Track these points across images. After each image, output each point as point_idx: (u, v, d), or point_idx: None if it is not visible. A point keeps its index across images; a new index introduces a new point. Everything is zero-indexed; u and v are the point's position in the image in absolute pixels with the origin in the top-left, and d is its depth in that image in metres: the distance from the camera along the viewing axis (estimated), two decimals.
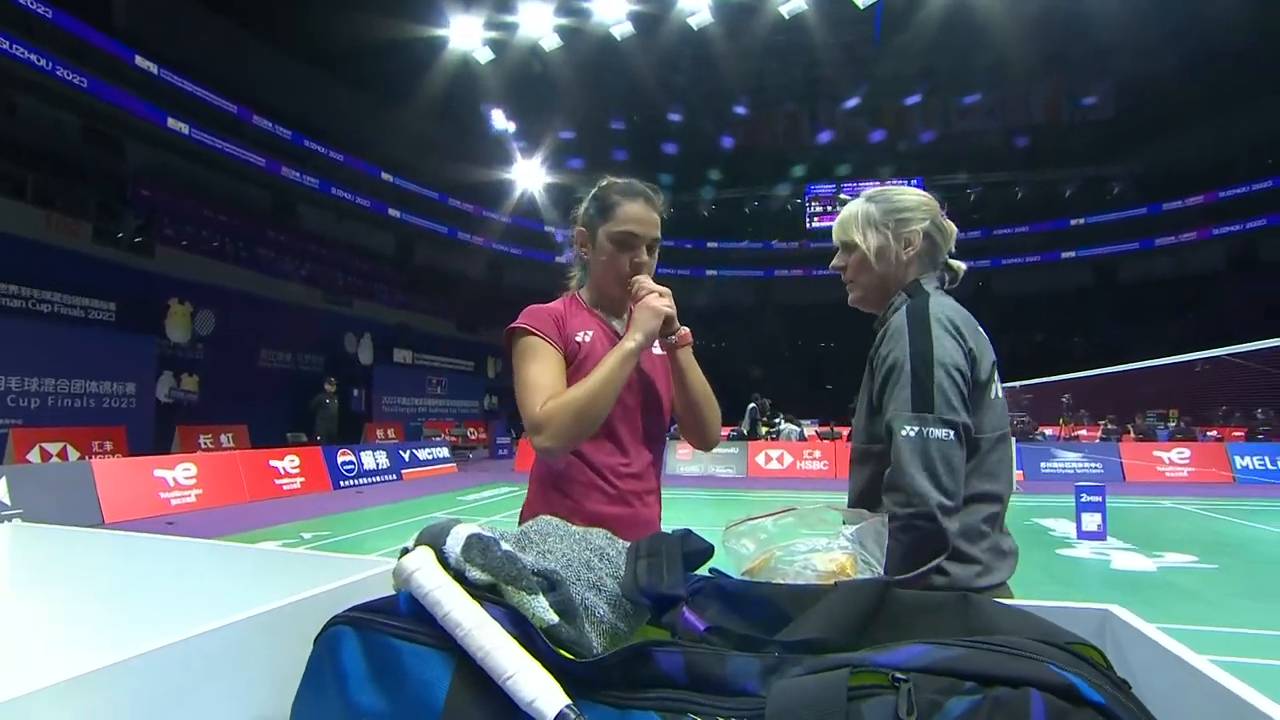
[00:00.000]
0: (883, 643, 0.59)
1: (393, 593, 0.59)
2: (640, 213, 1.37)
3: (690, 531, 0.71)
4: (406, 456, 12.39)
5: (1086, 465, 11.75)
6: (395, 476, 11.79)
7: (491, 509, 8.87)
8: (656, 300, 1.32)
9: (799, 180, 30.13)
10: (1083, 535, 6.10)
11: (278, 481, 9.63)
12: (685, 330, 1.40)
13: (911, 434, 1.15)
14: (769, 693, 0.48)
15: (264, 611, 0.65)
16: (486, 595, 0.55)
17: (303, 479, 9.98)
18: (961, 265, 1.42)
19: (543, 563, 0.61)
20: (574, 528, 0.70)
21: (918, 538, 1.11)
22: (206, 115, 16.25)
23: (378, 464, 11.53)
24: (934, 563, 1.12)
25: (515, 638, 0.50)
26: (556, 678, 0.48)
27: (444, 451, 13.77)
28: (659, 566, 0.64)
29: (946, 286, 1.39)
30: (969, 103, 26.69)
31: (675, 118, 27.11)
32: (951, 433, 1.15)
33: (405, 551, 0.59)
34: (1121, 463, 11.74)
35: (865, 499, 1.28)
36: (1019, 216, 27.63)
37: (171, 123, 15.27)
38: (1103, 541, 6.03)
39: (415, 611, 0.52)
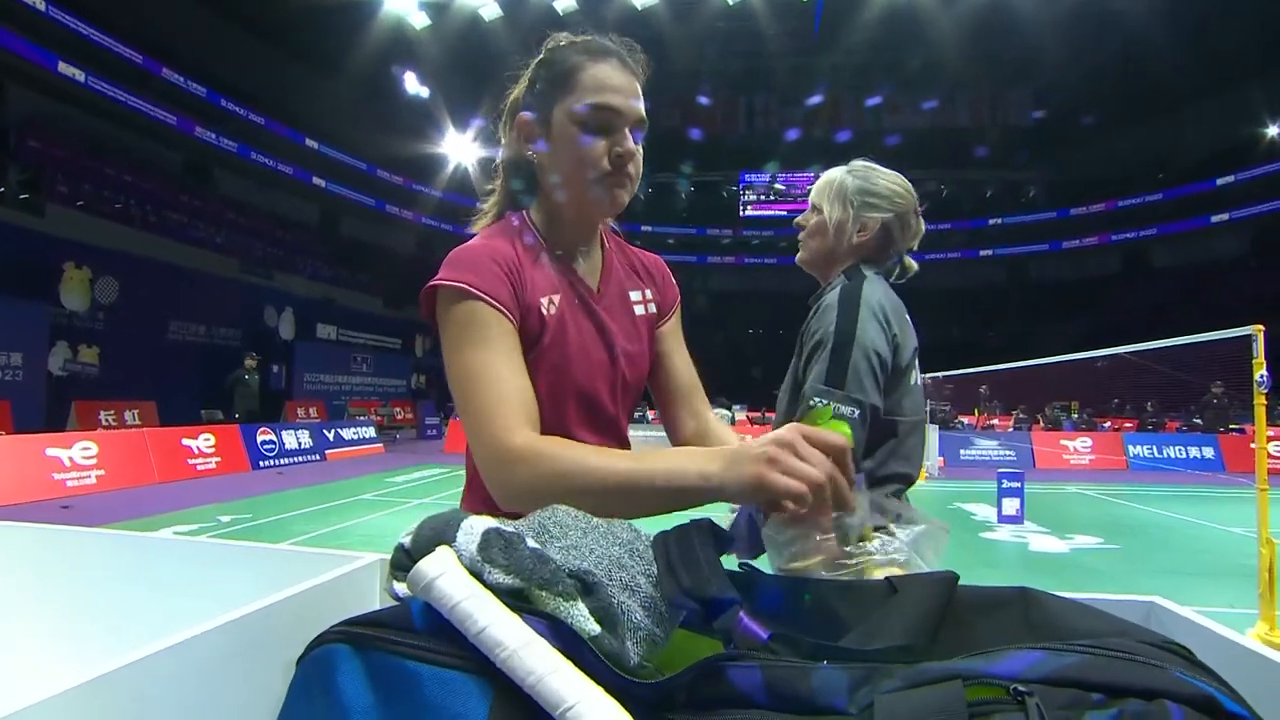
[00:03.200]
0: (948, 644, 0.54)
1: (390, 601, 0.49)
2: (616, 78, 0.90)
3: (711, 520, 0.63)
4: (331, 436, 11.86)
5: (1002, 453, 12.43)
6: (319, 457, 11.26)
7: (422, 491, 8.58)
8: (788, 480, 0.61)
9: (735, 168, 30.39)
10: (1003, 520, 6.43)
11: (191, 461, 9.02)
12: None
13: (818, 405, 1.20)
14: (866, 708, 0.42)
15: (222, 624, 0.53)
16: (514, 603, 0.45)
17: (219, 459, 9.39)
18: (914, 264, 1.49)
19: (572, 561, 0.52)
20: (595, 519, 0.60)
21: None
22: (106, 63, 14.78)
23: (300, 443, 10.99)
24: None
25: (562, 654, 0.41)
26: (619, 702, 0.39)
27: (370, 431, 13.26)
28: (698, 564, 0.55)
29: (892, 280, 1.45)
30: (901, 101, 27.54)
31: None
32: (857, 411, 1.19)
33: (403, 549, 0.49)
34: (1033, 450, 12.48)
35: None
36: (943, 214, 28.86)
37: (63, 68, 13.79)
38: (1020, 525, 6.38)
39: (435, 625, 0.41)
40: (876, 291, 1.32)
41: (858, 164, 1.46)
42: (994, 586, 0.61)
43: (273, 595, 0.59)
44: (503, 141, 1.02)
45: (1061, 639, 0.49)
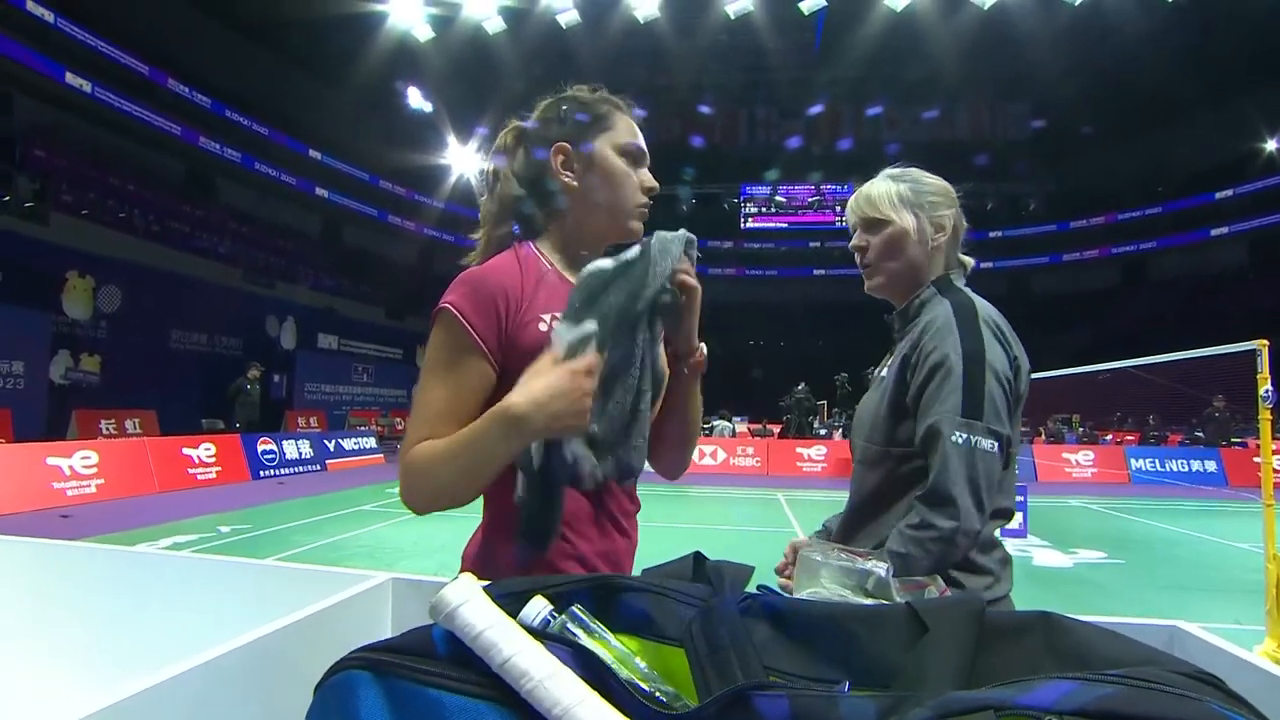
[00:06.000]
0: (973, 669, 0.53)
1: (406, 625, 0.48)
2: (636, 127, 1.06)
3: (721, 567, 0.62)
4: (332, 446, 11.83)
5: None
6: (319, 467, 11.24)
7: None
8: (575, 376, 0.80)
9: (735, 180, 30.48)
10: (1006, 533, 6.36)
11: (191, 471, 9.00)
12: (701, 352, 1.02)
13: (959, 441, 1.08)
14: None
15: (235, 648, 0.52)
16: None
17: (219, 468, 9.37)
18: (970, 260, 1.35)
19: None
20: None
21: (950, 553, 1.07)
22: (113, 74, 14.91)
23: (301, 453, 10.96)
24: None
25: (587, 683, 0.40)
26: None
27: (371, 442, 13.24)
28: (730, 663, 0.47)
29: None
30: (901, 113, 27.69)
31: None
32: (996, 444, 1.10)
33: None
34: (1035, 463, 12.44)
35: (873, 502, 1.24)
36: None
37: (70, 78, 13.91)
38: (1024, 539, 6.34)
39: (458, 653, 0.41)
40: (989, 308, 1.20)
41: (891, 171, 1.33)
42: (1016, 612, 0.60)
43: (286, 617, 0.58)
44: (508, 173, 1.06)
45: (1087, 666, 0.48)
